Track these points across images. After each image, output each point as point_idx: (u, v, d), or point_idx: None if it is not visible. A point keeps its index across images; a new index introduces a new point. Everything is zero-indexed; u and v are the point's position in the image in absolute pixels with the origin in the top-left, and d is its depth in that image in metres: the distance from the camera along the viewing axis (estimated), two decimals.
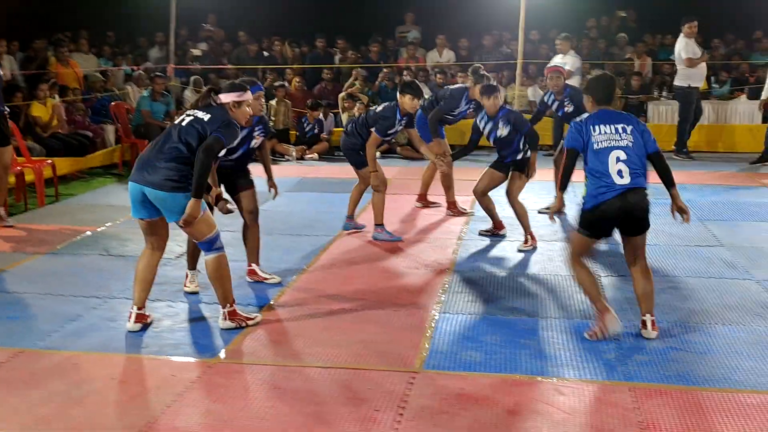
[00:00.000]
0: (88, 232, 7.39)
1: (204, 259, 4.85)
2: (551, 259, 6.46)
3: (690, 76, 11.80)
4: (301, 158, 12.23)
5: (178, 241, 7.06)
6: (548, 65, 8.83)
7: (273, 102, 12.61)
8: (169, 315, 5.18)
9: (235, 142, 5.16)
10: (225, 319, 4.88)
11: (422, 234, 7.36)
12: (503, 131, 6.84)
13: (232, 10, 15.57)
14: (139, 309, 4.87)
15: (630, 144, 4.63)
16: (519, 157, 6.91)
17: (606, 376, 4.22)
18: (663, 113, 12.82)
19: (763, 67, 13.19)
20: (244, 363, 4.42)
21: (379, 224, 7.09)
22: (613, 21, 15.38)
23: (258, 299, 5.48)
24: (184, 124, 4.68)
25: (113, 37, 14.91)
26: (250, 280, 5.82)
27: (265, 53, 14.68)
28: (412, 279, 5.91)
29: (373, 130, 6.90)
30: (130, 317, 4.88)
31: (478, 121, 7.07)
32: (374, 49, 14.42)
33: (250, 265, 5.86)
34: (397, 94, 6.91)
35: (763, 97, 11.26)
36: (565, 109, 7.86)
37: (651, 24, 14.86)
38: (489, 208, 7.15)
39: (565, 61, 11.27)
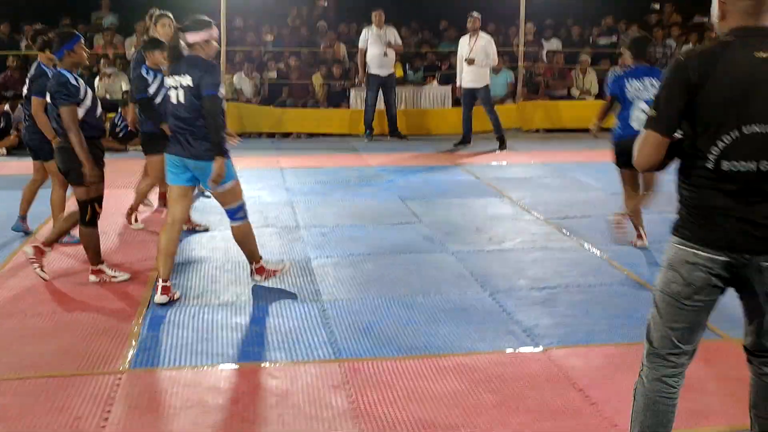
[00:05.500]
0: None
1: (231, 225, 5.25)
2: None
3: (369, 63, 12.40)
4: None
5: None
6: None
7: None
8: None
9: None
10: (252, 274, 5.41)
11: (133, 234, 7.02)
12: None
13: None
14: (164, 281, 5.04)
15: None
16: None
17: (315, 355, 4.29)
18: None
19: (449, 55, 14.24)
20: None
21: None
22: (314, 10, 15.73)
23: None
24: (183, 99, 4.88)
25: None
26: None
27: None
28: (115, 283, 5.58)
29: None
30: (156, 290, 5.02)
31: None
32: None
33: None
34: None
35: (458, 83, 12.06)
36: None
37: (351, 12, 15.37)
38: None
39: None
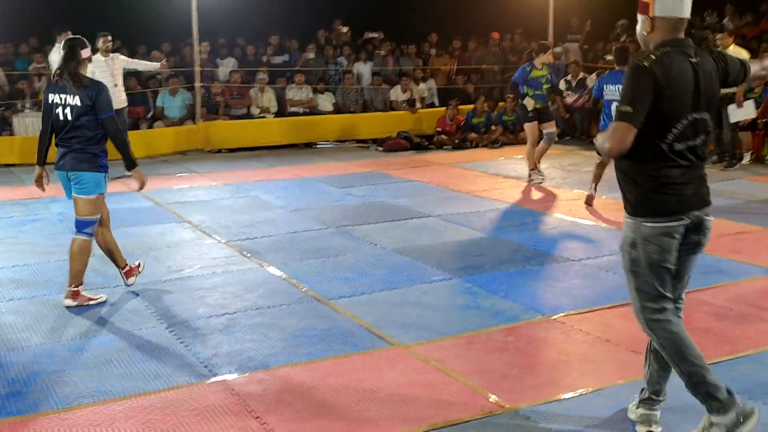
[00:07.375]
0: None
1: (74, 237, 5.41)
2: None
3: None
4: None
5: None
6: None
7: None
8: None
9: None
10: (67, 297, 5.41)
11: None
12: None
13: None
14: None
15: None
16: None
17: None
18: (30, 125, 12.32)
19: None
20: None
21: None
22: None
23: None
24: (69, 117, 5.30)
25: None
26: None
27: None
28: None
29: None
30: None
31: None
32: None
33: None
34: None
35: None
36: None
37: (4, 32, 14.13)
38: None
39: None
